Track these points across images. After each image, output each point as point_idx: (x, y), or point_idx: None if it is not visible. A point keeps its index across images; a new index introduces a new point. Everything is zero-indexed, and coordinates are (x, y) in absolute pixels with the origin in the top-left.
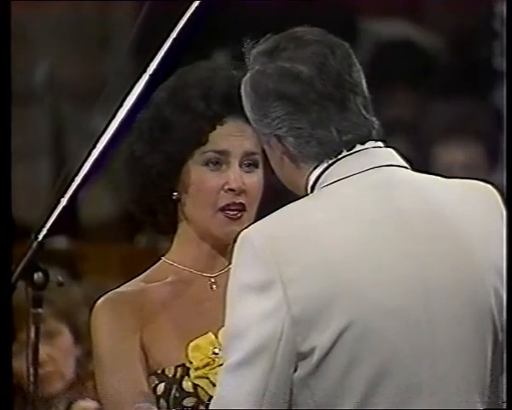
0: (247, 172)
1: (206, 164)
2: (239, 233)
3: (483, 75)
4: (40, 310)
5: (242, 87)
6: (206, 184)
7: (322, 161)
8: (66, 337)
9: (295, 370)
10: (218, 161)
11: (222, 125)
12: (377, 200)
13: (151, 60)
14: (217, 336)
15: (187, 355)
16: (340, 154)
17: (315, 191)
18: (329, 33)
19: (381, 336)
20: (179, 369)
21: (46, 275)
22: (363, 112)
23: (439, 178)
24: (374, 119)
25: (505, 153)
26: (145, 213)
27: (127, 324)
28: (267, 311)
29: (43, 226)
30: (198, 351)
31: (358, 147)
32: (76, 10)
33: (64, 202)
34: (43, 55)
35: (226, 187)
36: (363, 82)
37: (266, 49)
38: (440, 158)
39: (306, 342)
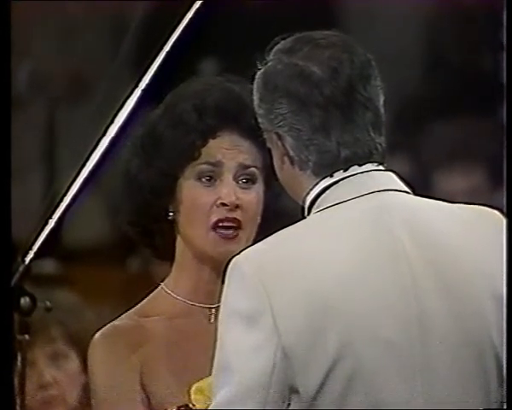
0: (244, 188)
1: (199, 179)
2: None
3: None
4: (27, 337)
5: (255, 81)
6: (198, 200)
7: (319, 178)
8: (73, 362)
9: (288, 404)
10: (212, 175)
11: (215, 138)
12: (374, 228)
13: (143, 74)
14: None
15: (189, 398)
16: (336, 172)
17: (309, 216)
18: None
19: (373, 371)
20: None
21: (33, 300)
22: (370, 129)
23: (441, 203)
24: (381, 139)
25: (505, 170)
26: (141, 235)
27: (126, 362)
28: (257, 343)
29: (30, 249)
30: (201, 394)
31: (356, 168)
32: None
33: (52, 223)
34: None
35: (219, 202)
36: (380, 99)
37: (284, 47)
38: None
39: (298, 375)
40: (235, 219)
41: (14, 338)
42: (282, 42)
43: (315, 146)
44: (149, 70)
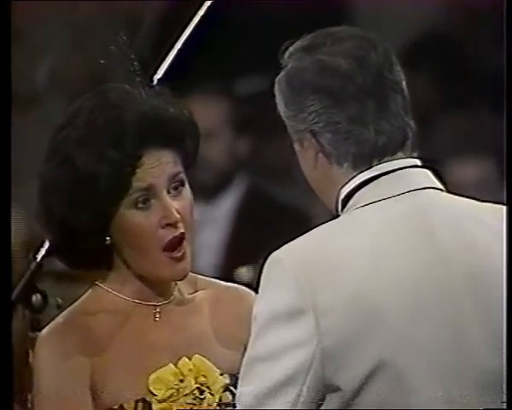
0: (176, 196)
1: (135, 205)
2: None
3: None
4: (38, 333)
5: (276, 86)
6: (140, 227)
7: (356, 171)
8: None
9: (322, 400)
10: (147, 198)
11: (142, 165)
12: (413, 228)
13: (157, 68)
14: (177, 367)
15: (148, 388)
16: (373, 166)
17: (348, 213)
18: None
19: (413, 379)
20: (140, 404)
21: (44, 297)
22: (402, 113)
23: (475, 202)
24: (411, 122)
25: (506, 168)
26: (75, 260)
27: (75, 361)
28: (297, 340)
29: (42, 246)
30: (161, 383)
31: (393, 164)
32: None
33: None
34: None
35: (163, 223)
36: (404, 82)
37: (303, 46)
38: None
39: (336, 376)
40: (181, 233)
41: (26, 335)
42: (298, 42)
43: (354, 137)
44: (161, 67)
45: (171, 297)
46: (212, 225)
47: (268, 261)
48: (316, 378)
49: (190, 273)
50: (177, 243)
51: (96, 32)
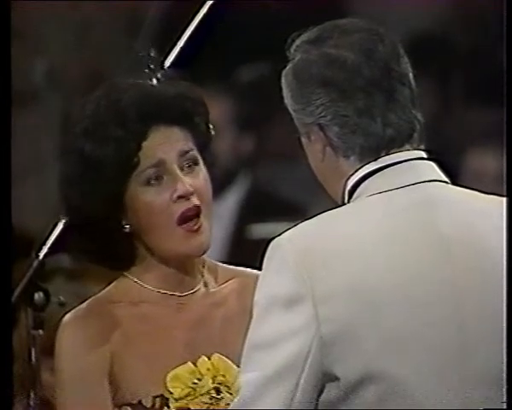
0: (190, 173)
1: (148, 183)
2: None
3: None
4: (41, 332)
5: (283, 79)
6: (154, 203)
7: (362, 163)
8: None
9: (322, 390)
10: (158, 174)
11: (146, 139)
12: (417, 220)
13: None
14: (196, 365)
15: (165, 386)
16: (379, 158)
17: (352, 202)
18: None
19: (412, 375)
20: (158, 400)
21: (47, 295)
22: (410, 105)
23: (479, 195)
24: (419, 114)
25: (506, 166)
26: (100, 255)
27: (96, 348)
28: (295, 327)
29: (44, 244)
30: (178, 381)
31: (399, 156)
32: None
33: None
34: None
35: (175, 196)
36: (411, 75)
37: (310, 38)
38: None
39: (334, 366)
40: (195, 205)
41: (28, 334)
42: (305, 34)
43: (361, 130)
44: (163, 66)
45: (196, 288)
46: (216, 221)
47: (270, 246)
48: (314, 367)
49: (211, 261)
50: (191, 215)
51: (96, 32)
